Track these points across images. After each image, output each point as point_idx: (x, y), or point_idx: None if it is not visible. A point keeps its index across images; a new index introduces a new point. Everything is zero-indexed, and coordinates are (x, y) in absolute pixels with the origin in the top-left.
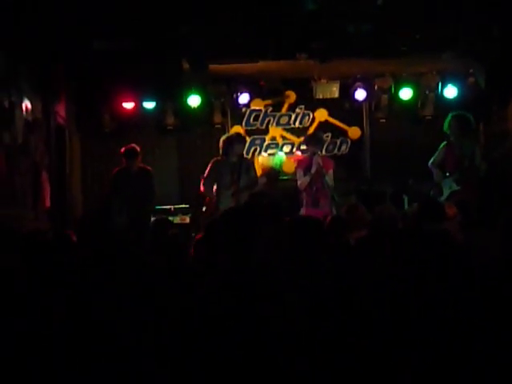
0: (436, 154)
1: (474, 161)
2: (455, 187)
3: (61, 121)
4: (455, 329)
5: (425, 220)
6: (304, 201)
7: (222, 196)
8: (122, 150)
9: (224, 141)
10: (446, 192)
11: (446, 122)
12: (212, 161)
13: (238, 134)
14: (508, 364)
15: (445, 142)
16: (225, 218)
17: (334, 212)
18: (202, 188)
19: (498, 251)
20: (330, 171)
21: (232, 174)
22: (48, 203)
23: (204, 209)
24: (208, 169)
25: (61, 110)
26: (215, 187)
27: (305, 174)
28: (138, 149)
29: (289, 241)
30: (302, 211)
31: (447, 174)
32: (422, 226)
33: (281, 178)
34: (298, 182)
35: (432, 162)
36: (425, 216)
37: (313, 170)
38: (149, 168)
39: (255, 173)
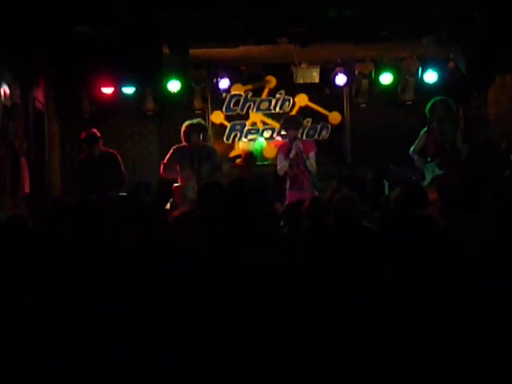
0: (417, 141)
1: (456, 145)
2: (438, 172)
3: (39, 106)
4: (442, 314)
5: (409, 206)
6: (288, 185)
7: (185, 187)
8: (82, 135)
9: (183, 129)
10: (429, 177)
11: (428, 106)
12: (172, 148)
13: (196, 124)
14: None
15: (425, 128)
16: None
17: (318, 195)
18: (161, 172)
19: (480, 234)
20: (312, 153)
21: (192, 162)
22: (27, 189)
23: (171, 200)
24: (168, 155)
25: (39, 95)
26: (175, 174)
27: (285, 159)
28: (98, 134)
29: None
30: (287, 195)
31: (428, 160)
32: (406, 211)
33: (261, 163)
34: (278, 167)
35: (413, 150)
36: (409, 202)
37: (291, 155)
38: (113, 151)
39: (218, 159)
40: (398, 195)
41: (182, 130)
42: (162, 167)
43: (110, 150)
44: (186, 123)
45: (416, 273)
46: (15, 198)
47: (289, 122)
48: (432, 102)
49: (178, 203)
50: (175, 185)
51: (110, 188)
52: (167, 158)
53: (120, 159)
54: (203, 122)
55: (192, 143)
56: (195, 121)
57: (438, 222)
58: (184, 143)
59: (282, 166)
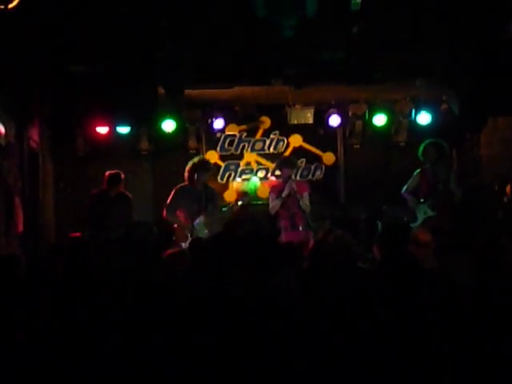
0: (409, 181)
1: (449, 187)
2: (430, 213)
3: (34, 145)
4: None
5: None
6: (282, 225)
7: (196, 223)
8: (107, 174)
9: (190, 168)
10: (421, 218)
11: (421, 148)
12: (175, 188)
13: (204, 161)
14: None
15: (419, 170)
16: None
17: (312, 236)
18: (164, 214)
19: (469, 276)
20: (305, 193)
21: (199, 201)
22: (21, 228)
23: (174, 238)
24: (171, 195)
25: (34, 134)
26: (179, 213)
27: (277, 198)
28: (123, 175)
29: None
30: (282, 235)
31: (421, 200)
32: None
33: (255, 202)
34: (270, 206)
35: (406, 190)
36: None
37: (284, 194)
38: (129, 194)
39: (218, 202)
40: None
41: (188, 168)
42: (164, 210)
43: (127, 193)
44: (193, 161)
45: (407, 312)
46: (8, 236)
47: (284, 162)
48: (424, 144)
49: (181, 242)
50: (176, 225)
51: (120, 227)
52: (170, 198)
53: (132, 203)
54: (207, 159)
55: (199, 181)
56: (199, 158)
57: (429, 262)
58: (187, 182)
59: (273, 205)
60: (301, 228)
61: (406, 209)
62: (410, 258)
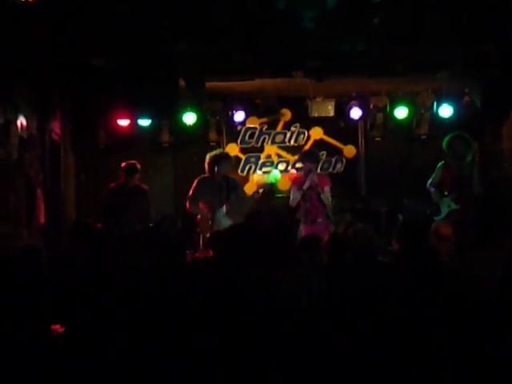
0: (433, 175)
1: (472, 180)
2: (454, 206)
3: (56, 137)
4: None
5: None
6: (302, 218)
7: (216, 214)
8: (123, 164)
9: (210, 159)
10: (444, 211)
11: (445, 141)
12: (197, 179)
13: (223, 153)
14: None
15: (442, 162)
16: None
17: (333, 228)
18: (187, 206)
19: (492, 270)
20: (327, 187)
21: (220, 192)
22: (42, 220)
23: (198, 229)
24: (193, 187)
25: (56, 126)
26: (201, 205)
27: (298, 191)
28: (139, 166)
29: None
30: (301, 228)
31: (445, 194)
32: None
33: (275, 195)
34: (291, 199)
35: (430, 183)
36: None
37: (305, 186)
38: (145, 187)
39: (243, 191)
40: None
41: (209, 160)
42: (188, 201)
43: (143, 185)
44: (212, 154)
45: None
46: (30, 228)
47: (306, 155)
48: (449, 137)
49: (205, 233)
50: (199, 216)
51: (137, 221)
52: (192, 189)
53: (149, 196)
54: (227, 152)
55: (219, 173)
56: (219, 151)
57: (449, 256)
58: (208, 174)
59: (294, 197)
60: (320, 220)
61: (428, 202)
62: (431, 251)
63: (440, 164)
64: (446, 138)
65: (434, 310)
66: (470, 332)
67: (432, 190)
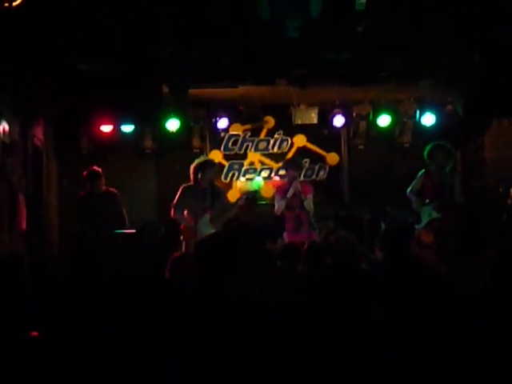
0: (414, 182)
1: (454, 190)
2: (435, 215)
3: (38, 143)
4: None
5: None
6: (286, 227)
7: (199, 223)
8: (84, 173)
9: (194, 167)
10: (425, 219)
11: (426, 150)
12: (182, 187)
13: (208, 160)
14: None
15: (423, 170)
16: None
17: (317, 237)
18: (172, 214)
19: (482, 280)
20: (310, 196)
21: (204, 200)
22: (24, 226)
23: (181, 237)
24: (178, 195)
25: (38, 132)
26: (186, 213)
27: (282, 199)
28: (100, 170)
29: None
30: (285, 236)
31: (426, 201)
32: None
33: (259, 202)
34: (275, 207)
35: (410, 190)
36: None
37: (289, 195)
38: (114, 190)
39: (226, 199)
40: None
41: (193, 168)
42: (172, 209)
43: (111, 189)
44: (196, 161)
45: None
46: (12, 234)
47: (289, 163)
48: (431, 146)
49: (190, 242)
50: (183, 225)
51: (111, 227)
52: (177, 197)
53: (120, 199)
54: (212, 159)
55: (204, 180)
56: (203, 158)
57: (432, 264)
58: (192, 181)
59: (279, 205)
60: (304, 229)
61: (410, 210)
62: (414, 258)
63: (421, 172)
64: (428, 148)
65: (418, 317)
66: (453, 339)
67: (413, 197)
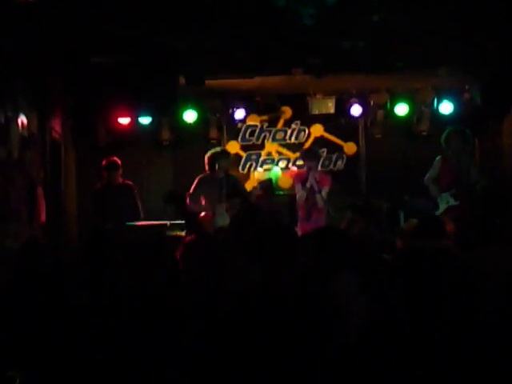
0: (431, 169)
1: (470, 176)
2: (452, 202)
3: (56, 136)
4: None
5: (424, 237)
6: (299, 215)
7: (216, 213)
8: (104, 162)
9: (209, 157)
10: (442, 207)
11: (444, 136)
12: (198, 177)
13: (222, 150)
14: None
15: (440, 156)
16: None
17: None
18: (187, 203)
19: (499, 266)
20: (326, 187)
21: (220, 189)
22: (43, 218)
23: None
24: (194, 185)
25: (56, 125)
26: (203, 202)
27: (302, 188)
28: (119, 161)
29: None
30: (298, 225)
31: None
32: (420, 242)
33: (276, 193)
34: (297, 196)
35: (428, 177)
36: (424, 233)
37: (308, 185)
38: (131, 183)
39: (243, 187)
40: (414, 226)
41: (208, 158)
42: (187, 198)
43: (128, 182)
44: (211, 151)
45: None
46: (32, 227)
47: (307, 154)
48: (448, 131)
49: (209, 230)
50: (202, 214)
51: (125, 220)
52: (193, 187)
53: (136, 192)
54: (226, 148)
55: (219, 170)
56: (219, 148)
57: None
58: (208, 172)
59: (300, 194)
60: (316, 219)
61: (428, 199)
62: (441, 248)
63: (438, 158)
64: (444, 133)
65: (444, 306)
66: (479, 331)
67: (430, 185)
